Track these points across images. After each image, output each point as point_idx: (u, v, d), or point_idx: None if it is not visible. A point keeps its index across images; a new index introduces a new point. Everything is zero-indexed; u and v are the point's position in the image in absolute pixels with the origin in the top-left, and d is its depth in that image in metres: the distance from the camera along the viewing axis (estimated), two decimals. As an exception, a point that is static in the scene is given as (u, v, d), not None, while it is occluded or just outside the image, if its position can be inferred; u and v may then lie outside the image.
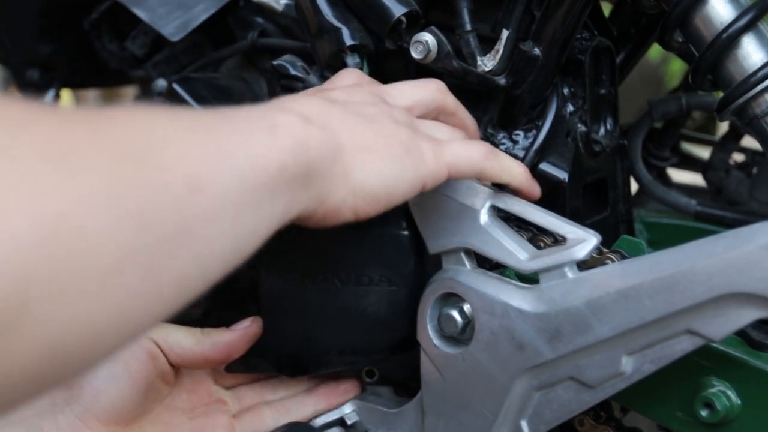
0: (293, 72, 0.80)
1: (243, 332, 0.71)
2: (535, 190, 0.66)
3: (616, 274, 0.59)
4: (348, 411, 0.76)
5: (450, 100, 0.68)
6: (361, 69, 0.76)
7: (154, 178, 0.40)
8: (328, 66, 0.78)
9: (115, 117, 0.42)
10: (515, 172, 0.65)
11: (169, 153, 0.42)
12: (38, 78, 1.14)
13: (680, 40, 0.72)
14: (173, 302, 0.43)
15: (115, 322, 0.38)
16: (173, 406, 0.72)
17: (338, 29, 0.75)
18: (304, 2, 0.77)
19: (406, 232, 0.68)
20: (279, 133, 0.50)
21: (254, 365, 0.74)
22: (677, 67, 3.03)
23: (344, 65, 0.76)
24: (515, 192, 0.66)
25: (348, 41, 0.75)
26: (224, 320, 0.80)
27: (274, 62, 0.80)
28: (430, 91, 0.67)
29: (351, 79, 0.68)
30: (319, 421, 0.75)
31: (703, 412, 0.61)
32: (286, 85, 0.80)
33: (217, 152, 0.45)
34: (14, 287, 0.33)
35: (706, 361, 0.61)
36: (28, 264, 0.33)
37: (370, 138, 0.57)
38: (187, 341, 0.70)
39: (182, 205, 0.41)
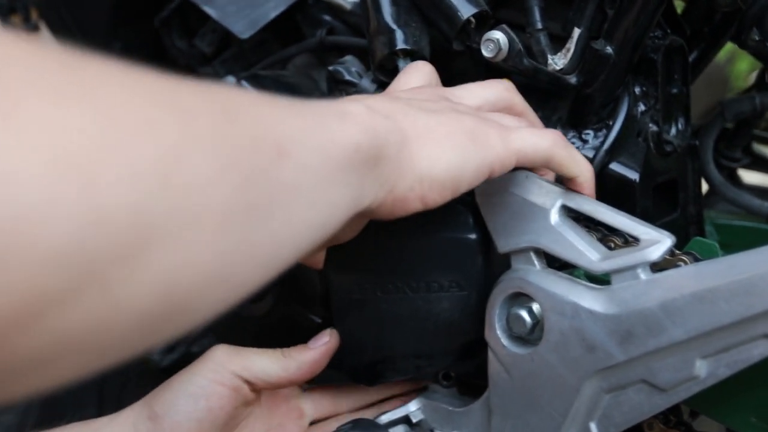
0: (347, 77, 0.80)
1: (324, 349, 0.70)
2: (593, 191, 0.66)
3: (691, 276, 0.58)
4: (413, 409, 0.76)
5: (518, 100, 0.68)
6: None
7: (250, 137, 0.42)
8: (380, 67, 0.78)
9: (202, 83, 0.43)
10: (584, 166, 0.64)
11: (259, 118, 0.44)
12: (109, 75, 1.16)
13: (756, 38, 0.71)
14: (269, 265, 0.43)
15: (220, 274, 0.39)
16: (253, 421, 0.72)
17: (393, 31, 0.75)
18: (367, 2, 0.77)
19: (474, 236, 0.67)
20: (349, 119, 0.52)
21: (330, 376, 0.74)
22: (743, 66, 2.97)
23: (396, 68, 0.76)
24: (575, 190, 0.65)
25: (400, 45, 0.75)
26: (288, 316, 0.81)
27: (330, 68, 0.81)
28: (498, 90, 0.67)
29: (418, 77, 0.68)
30: (384, 419, 0.75)
31: (779, 419, 0.60)
32: (342, 90, 0.81)
33: (299, 126, 0.46)
34: (137, 218, 0.33)
35: (783, 366, 0.59)
36: (152, 194, 0.34)
37: (433, 126, 0.57)
38: (273, 368, 0.69)
39: (273, 167, 0.42)
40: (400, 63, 0.76)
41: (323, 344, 0.70)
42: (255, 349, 0.69)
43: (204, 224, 0.37)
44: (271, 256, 0.43)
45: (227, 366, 0.67)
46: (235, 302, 0.42)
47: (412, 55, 0.76)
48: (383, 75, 0.79)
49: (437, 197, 0.58)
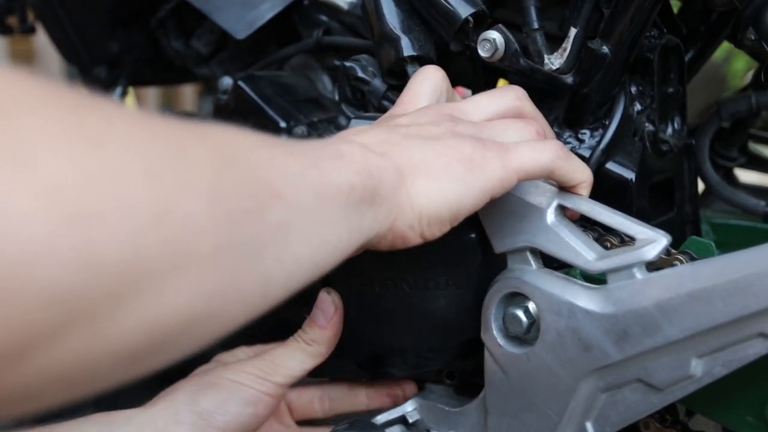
0: (360, 74, 0.81)
1: (336, 320, 0.71)
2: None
3: (687, 276, 0.58)
4: (410, 409, 0.76)
5: (528, 107, 0.68)
6: None
7: (245, 180, 0.43)
8: (390, 72, 0.78)
9: (201, 126, 0.44)
10: (584, 173, 0.65)
11: (255, 161, 0.45)
12: (105, 76, 1.16)
13: (752, 38, 0.71)
14: (257, 303, 0.44)
15: (206, 313, 0.40)
16: None
17: (398, 39, 0.76)
18: (369, 7, 0.78)
19: (472, 235, 0.67)
20: (343, 159, 0.53)
21: (333, 369, 0.74)
22: (740, 65, 2.97)
23: (405, 73, 0.76)
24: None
25: (407, 52, 0.75)
26: (284, 314, 0.81)
27: (346, 63, 0.81)
28: (507, 100, 0.67)
29: (427, 86, 0.68)
30: (380, 419, 0.76)
31: (775, 418, 0.60)
32: (355, 86, 0.81)
33: (294, 167, 0.48)
34: (129, 262, 0.35)
35: (778, 365, 0.59)
36: (145, 239, 0.35)
37: (429, 159, 0.58)
38: (308, 362, 0.71)
39: (266, 209, 0.43)
40: (409, 68, 0.77)
41: (333, 316, 0.71)
42: (280, 349, 0.70)
43: (193, 267, 0.38)
44: (260, 294, 0.44)
45: (272, 378, 0.69)
46: (223, 336, 0.43)
47: (420, 60, 0.76)
48: (393, 79, 0.80)
49: (436, 231, 0.59)
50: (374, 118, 0.73)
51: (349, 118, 0.84)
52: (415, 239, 0.58)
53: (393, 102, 0.78)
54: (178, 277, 0.37)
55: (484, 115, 0.65)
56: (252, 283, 0.43)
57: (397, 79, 0.79)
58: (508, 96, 0.67)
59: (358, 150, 0.55)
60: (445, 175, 0.57)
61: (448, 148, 0.58)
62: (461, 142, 0.59)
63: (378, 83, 0.80)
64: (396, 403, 0.77)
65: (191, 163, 0.39)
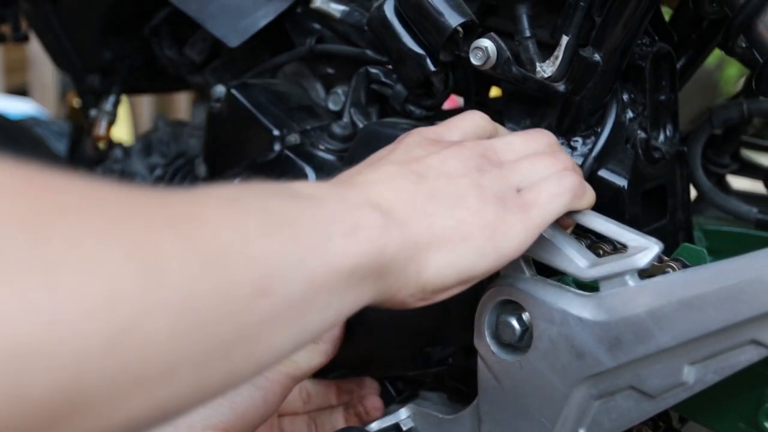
0: (384, 79, 0.82)
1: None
2: None
3: (679, 283, 0.58)
4: (404, 417, 0.76)
5: (557, 148, 0.67)
6: (447, 82, 0.77)
7: (226, 284, 0.40)
8: (417, 87, 0.79)
9: (193, 214, 0.41)
10: (591, 198, 0.65)
11: (245, 254, 0.41)
12: (99, 84, 1.16)
13: (743, 45, 0.71)
14: (220, 394, 0.42)
15: (160, 418, 0.38)
16: None
17: (422, 56, 0.76)
18: (378, 28, 0.78)
19: None
20: (358, 236, 0.49)
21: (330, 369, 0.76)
22: (733, 72, 2.99)
23: (431, 83, 0.78)
24: None
25: (433, 67, 0.76)
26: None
27: (370, 69, 0.83)
28: (540, 145, 0.65)
29: (466, 126, 0.66)
30: (374, 426, 0.76)
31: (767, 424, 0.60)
32: (377, 90, 0.83)
33: (292, 253, 0.44)
34: (68, 390, 0.33)
35: (770, 372, 0.60)
36: (89, 369, 0.33)
37: (450, 229, 0.55)
38: (316, 359, 0.73)
39: (248, 309, 0.41)
40: (435, 81, 0.78)
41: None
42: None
43: (145, 387, 0.36)
44: (220, 388, 0.42)
45: (282, 368, 0.71)
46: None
47: (445, 71, 0.78)
48: (418, 90, 0.81)
49: (440, 298, 0.57)
50: (391, 124, 0.73)
51: (355, 124, 0.84)
52: (415, 305, 0.56)
53: (415, 106, 0.79)
54: (126, 401, 0.35)
55: (515, 156, 0.63)
56: (213, 380, 0.40)
57: (423, 89, 0.81)
58: (541, 141, 0.66)
59: (378, 223, 0.51)
60: (463, 246, 0.56)
61: (472, 215, 0.56)
62: (485, 206, 0.57)
63: (400, 88, 0.81)
64: (350, 402, 0.81)
65: (162, 280, 0.36)
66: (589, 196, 0.65)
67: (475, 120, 0.66)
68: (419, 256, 0.54)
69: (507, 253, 0.57)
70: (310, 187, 0.52)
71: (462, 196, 0.57)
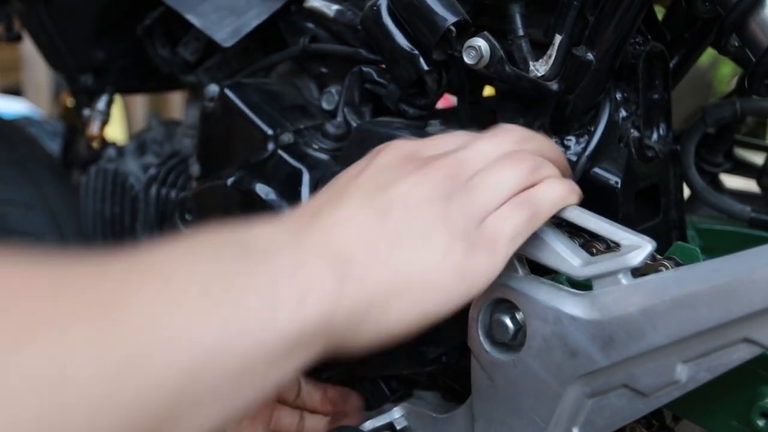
0: (377, 78, 0.81)
1: None
2: None
3: (672, 282, 0.58)
4: (397, 416, 0.76)
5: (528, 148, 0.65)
6: (440, 81, 0.77)
7: (145, 388, 0.38)
8: (410, 86, 0.79)
9: (122, 300, 0.39)
10: (574, 196, 0.64)
11: (173, 343, 0.40)
12: (92, 83, 1.16)
13: (736, 44, 0.71)
14: None
15: None
16: None
17: (415, 56, 0.76)
18: (372, 27, 0.78)
19: None
20: (312, 296, 0.47)
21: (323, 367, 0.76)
22: (726, 71, 2.99)
23: (424, 82, 0.78)
24: None
25: (426, 66, 0.76)
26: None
27: (364, 68, 0.83)
28: (507, 146, 0.64)
29: (453, 143, 0.63)
30: (368, 425, 0.75)
31: (760, 422, 0.60)
32: (370, 89, 0.83)
33: (231, 327, 0.43)
34: None
35: (763, 370, 0.60)
36: None
37: (416, 273, 0.54)
38: None
39: (172, 401, 0.39)
40: (428, 79, 0.78)
41: None
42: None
43: None
44: None
45: None
46: None
47: (438, 69, 0.78)
48: (412, 89, 0.80)
49: (399, 339, 0.55)
50: (385, 123, 0.73)
51: (348, 123, 0.84)
52: (372, 347, 0.54)
53: (409, 105, 0.79)
54: None
55: (486, 163, 0.61)
56: None
57: (416, 88, 0.81)
58: (510, 139, 0.64)
59: (330, 286, 0.49)
60: (430, 292, 0.54)
61: (440, 256, 0.55)
62: (453, 244, 0.56)
63: (394, 87, 0.81)
64: (336, 411, 0.80)
65: (66, 400, 0.35)
66: (569, 195, 0.63)
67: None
68: (379, 308, 0.52)
69: (474, 292, 0.57)
70: (266, 234, 0.50)
71: (429, 234, 0.55)
